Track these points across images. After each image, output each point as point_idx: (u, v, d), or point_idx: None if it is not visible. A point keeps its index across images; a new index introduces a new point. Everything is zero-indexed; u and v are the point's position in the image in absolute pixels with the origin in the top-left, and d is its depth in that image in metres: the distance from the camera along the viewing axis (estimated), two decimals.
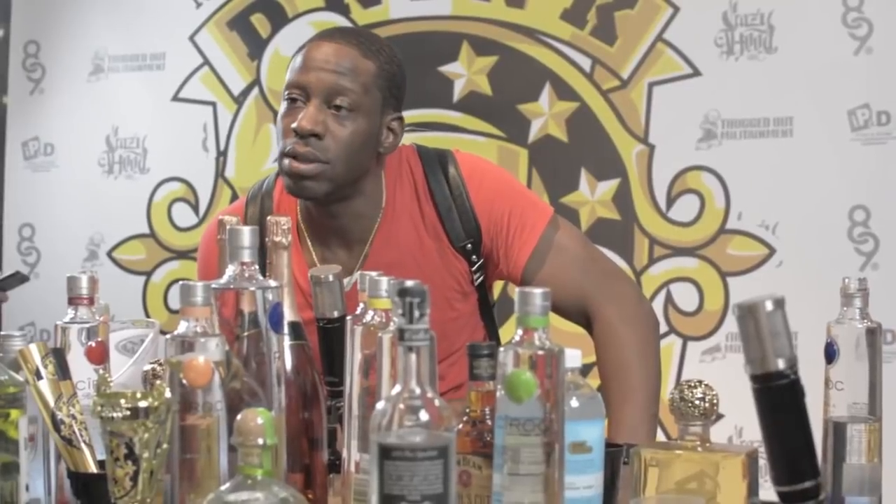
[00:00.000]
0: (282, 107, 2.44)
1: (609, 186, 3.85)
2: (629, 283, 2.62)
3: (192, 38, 4.34)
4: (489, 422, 1.62)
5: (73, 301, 1.95)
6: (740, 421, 3.50)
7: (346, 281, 2.33)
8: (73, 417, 1.77)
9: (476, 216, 2.49)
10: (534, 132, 3.94)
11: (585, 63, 3.89)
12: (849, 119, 3.59)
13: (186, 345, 1.54)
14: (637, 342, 2.47)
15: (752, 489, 1.63)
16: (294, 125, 2.37)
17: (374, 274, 1.74)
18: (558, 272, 2.47)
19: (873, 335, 1.86)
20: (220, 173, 4.31)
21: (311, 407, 1.81)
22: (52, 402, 1.76)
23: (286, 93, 2.42)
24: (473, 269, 2.52)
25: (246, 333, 1.61)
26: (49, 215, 4.50)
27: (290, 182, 2.42)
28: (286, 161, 2.39)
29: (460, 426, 1.62)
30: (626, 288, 2.57)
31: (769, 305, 1.42)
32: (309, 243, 2.51)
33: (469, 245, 2.50)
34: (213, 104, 4.32)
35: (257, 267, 1.63)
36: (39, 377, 1.76)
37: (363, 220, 2.48)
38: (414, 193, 2.51)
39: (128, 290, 4.36)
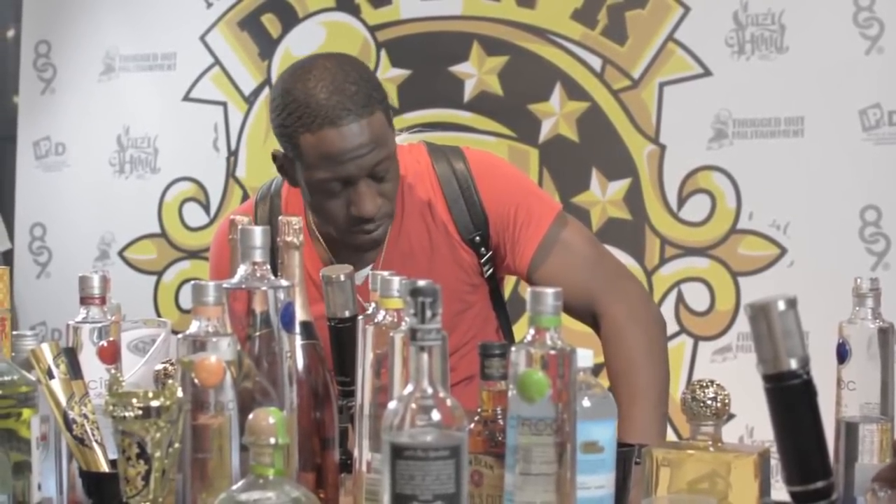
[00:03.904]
0: (317, 194, 2.39)
1: (620, 186, 3.85)
2: (636, 283, 2.62)
3: (202, 38, 4.35)
4: (501, 421, 1.62)
5: (85, 301, 1.95)
6: (752, 421, 3.49)
7: (360, 274, 2.35)
8: (85, 417, 1.77)
9: (484, 209, 2.50)
10: (544, 132, 3.94)
11: (596, 63, 3.89)
12: (860, 119, 3.58)
13: (198, 344, 1.54)
14: (645, 341, 2.47)
15: (764, 489, 1.63)
16: (358, 214, 2.36)
17: (385, 273, 1.74)
18: (564, 268, 2.48)
19: (885, 335, 1.86)
20: (230, 173, 4.31)
21: (322, 406, 1.82)
22: (64, 402, 1.76)
23: (325, 185, 2.36)
24: (482, 261, 2.53)
25: (258, 333, 1.61)
26: (60, 215, 4.50)
27: (358, 247, 2.45)
28: (359, 237, 2.42)
29: (472, 426, 1.62)
30: (634, 287, 2.57)
31: (781, 305, 1.42)
32: (321, 239, 2.51)
33: (477, 237, 2.51)
34: (224, 104, 4.32)
35: (269, 267, 1.63)
36: (51, 376, 1.76)
37: None
38: (422, 187, 2.52)
39: (139, 290, 4.36)
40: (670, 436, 3.15)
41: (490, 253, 2.53)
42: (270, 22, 4.25)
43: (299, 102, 2.35)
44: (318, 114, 2.33)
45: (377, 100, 2.38)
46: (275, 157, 2.46)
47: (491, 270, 2.55)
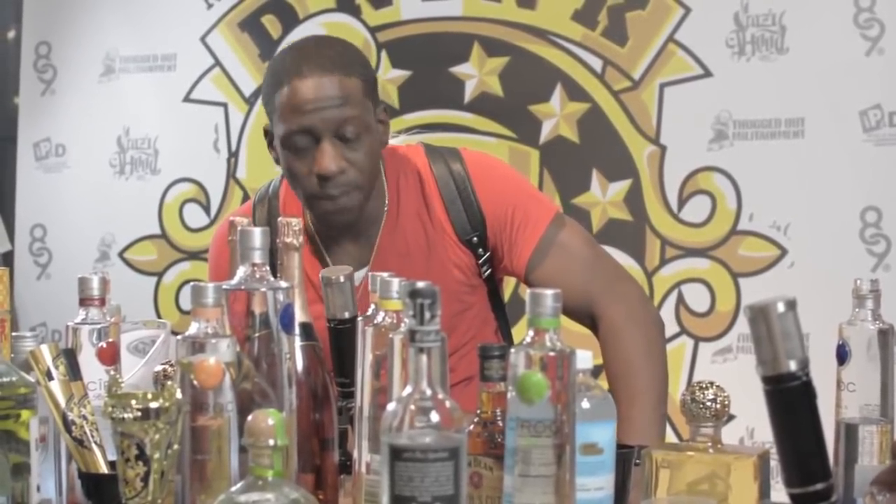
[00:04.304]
0: (286, 153, 2.42)
1: (620, 187, 3.85)
2: (634, 285, 2.62)
3: (203, 39, 4.35)
4: (500, 423, 1.62)
5: (85, 302, 1.95)
6: (752, 422, 3.49)
7: (356, 275, 2.35)
8: (85, 418, 1.77)
9: (481, 209, 2.51)
10: (545, 133, 3.93)
11: (597, 64, 3.89)
12: (860, 120, 3.58)
13: (197, 346, 1.54)
14: (644, 343, 2.47)
15: (764, 491, 1.63)
16: (318, 171, 2.38)
17: (385, 275, 1.74)
18: (562, 270, 2.48)
19: (885, 336, 1.86)
20: (231, 174, 4.32)
21: (321, 408, 1.82)
22: (63, 403, 1.76)
23: (290, 139, 2.39)
24: (480, 262, 2.54)
25: (257, 334, 1.61)
26: (60, 216, 4.50)
27: (326, 220, 2.46)
28: (321, 204, 2.42)
29: (471, 427, 1.62)
30: (632, 289, 2.57)
31: (781, 307, 1.42)
32: (317, 239, 2.52)
33: (475, 238, 2.52)
34: (225, 105, 4.32)
35: (268, 268, 1.63)
36: (51, 378, 1.76)
37: (369, 217, 2.51)
38: (419, 187, 2.53)
39: (139, 291, 4.36)
40: (671, 437, 3.16)
41: (488, 254, 2.53)
42: (271, 23, 4.26)
43: (282, 66, 2.42)
44: (293, 68, 2.40)
45: (357, 70, 2.42)
46: (266, 133, 2.50)
47: (489, 271, 2.56)
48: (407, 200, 2.52)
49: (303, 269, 1.82)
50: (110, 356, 1.95)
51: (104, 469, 1.78)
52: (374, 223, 2.52)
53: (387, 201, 2.52)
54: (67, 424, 1.76)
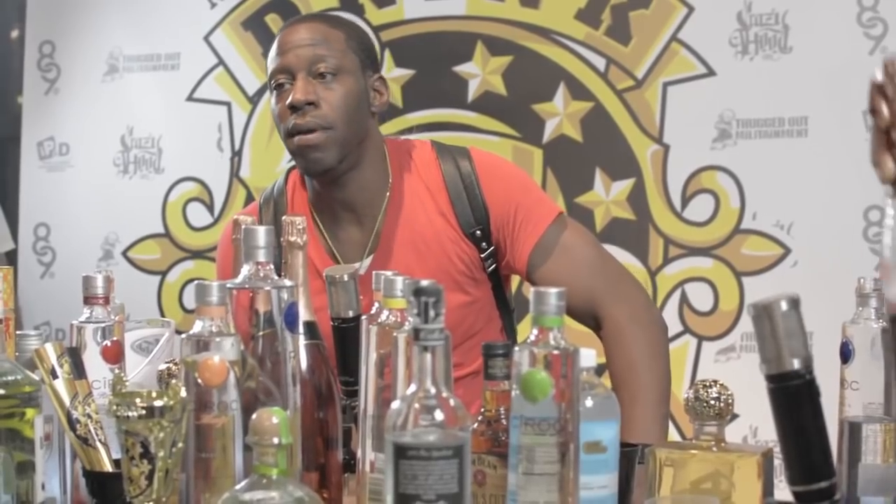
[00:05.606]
0: (272, 98, 2.51)
1: (624, 186, 3.85)
2: (638, 286, 2.63)
3: (206, 39, 4.35)
4: (504, 421, 1.62)
5: (89, 300, 1.96)
6: (755, 421, 3.49)
7: (360, 265, 2.36)
8: (89, 416, 1.78)
9: (486, 205, 2.52)
10: (548, 132, 3.93)
11: (600, 63, 3.89)
12: (864, 119, 3.57)
13: (202, 344, 1.55)
14: (646, 343, 2.48)
15: (767, 489, 1.63)
16: (288, 101, 2.45)
17: (388, 273, 1.74)
18: (565, 270, 2.49)
19: (889, 335, 1.86)
20: (234, 173, 4.31)
21: (326, 406, 1.82)
22: (67, 402, 1.77)
23: (272, 82, 2.51)
24: (484, 255, 2.54)
25: (261, 333, 1.61)
26: (64, 215, 4.50)
27: (301, 161, 2.50)
28: (293, 140, 2.47)
29: (475, 425, 1.62)
30: (635, 290, 2.58)
31: (784, 305, 1.42)
32: (322, 228, 2.53)
33: (478, 232, 2.53)
34: (228, 104, 4.32)
35: (273, 267, 1.63)
36: (55, 376, 1.76)
37: (369, 193, 2.53)
38: (425, 178, 2.55)
39: (143, 290, 4.36)
40: (674, 436, 3.16)
41: (491, 248, 2.54)
42: (274, 22, 4.25)
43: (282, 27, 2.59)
44: (287, 24, 2.57)
45: (345, 28, 2.55)
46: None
47: (493, 266, 2.56)
48: (411, 187, 2.53)
49: (307, 265, 1.83)
50: (114, 355, 1.95)
51: (109, 467, 1.78)
52: (377, 204, 2.53)
53: (390, 181, 2.54)
54: (72, 423, 1.77)
